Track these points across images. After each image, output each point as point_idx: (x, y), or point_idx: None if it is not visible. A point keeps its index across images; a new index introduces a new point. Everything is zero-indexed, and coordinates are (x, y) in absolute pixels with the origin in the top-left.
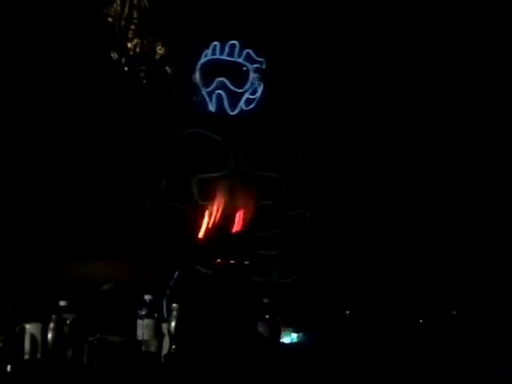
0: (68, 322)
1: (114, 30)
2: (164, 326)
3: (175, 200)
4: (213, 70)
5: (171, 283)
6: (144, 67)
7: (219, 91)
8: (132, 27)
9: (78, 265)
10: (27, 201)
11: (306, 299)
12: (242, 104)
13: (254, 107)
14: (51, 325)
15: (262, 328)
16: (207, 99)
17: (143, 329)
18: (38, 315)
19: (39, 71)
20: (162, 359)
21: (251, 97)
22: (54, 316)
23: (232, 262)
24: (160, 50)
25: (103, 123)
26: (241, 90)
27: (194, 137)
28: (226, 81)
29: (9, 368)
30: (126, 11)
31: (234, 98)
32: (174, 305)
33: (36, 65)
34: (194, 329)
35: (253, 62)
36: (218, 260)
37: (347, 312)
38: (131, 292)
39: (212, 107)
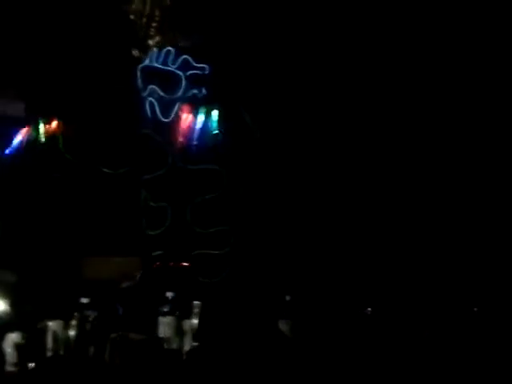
0: (90, 319)
1: (135, 28)
2: (185, 323)
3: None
4: (148, 76)
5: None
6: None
7: (150, 98)
8: (153, 25)
9: (98, 263)
10: (49, 202)
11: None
12: (176, 110)
13: None
14: (73, 322)
15: (282, 326)
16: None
17: (165, 326)
18: (61, 313)
19: (61, 67)
20: (184, 356)
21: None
22: (76, 313)
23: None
24: (181, 45)
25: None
26: (173, 97)
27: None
28: (156, 88)
29: (32, 365)
30: (148, 9)
31: (167, 105)
32: (196, 302)
33: (58, 61)
34: (215, 326)
35: (189, 68)
36: (157, 263)
37: (368, 309)
38: (152, 289)
39: (147, 112)
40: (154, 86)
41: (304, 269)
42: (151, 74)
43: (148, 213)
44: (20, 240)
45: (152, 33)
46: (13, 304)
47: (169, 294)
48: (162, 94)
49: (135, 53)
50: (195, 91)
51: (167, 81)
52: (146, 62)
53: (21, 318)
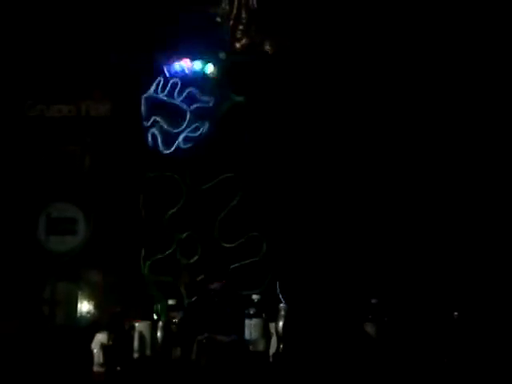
0: (177, 320)
1: (222, 30)
2: (272, 325)
3: None
4: (153, 106)
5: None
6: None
7: (153, 130)
8: (240, 27)
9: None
10: (135, 200)
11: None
12: (179, 142)
13: (193, 145)
14: (160, 323)
15: (368, 328)
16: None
17: (251, 328)
18: (148, 314)
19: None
20: (270, 359)
21: (191, 135)
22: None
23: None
24: (268, 50)
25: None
26: (176, 131)
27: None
28: (160, 120)
29: (119, 367)
30: (235, 11)
31: (170, 137)
32: (282, 305)
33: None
34: (301, 329)
35: (194, 101)
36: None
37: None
38: (239, 292)
39: (149, 143)
40: (158, 118)
41: (391, 271)
42: (156, 105)
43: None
44: (109, 240)
45: (239, 35)
46: (100, 304)
47: (255, 297)
48: (165, 126)
49: (222, 55)
50: (197, 124)
51: (170, 113)
52: (151, 91)
53: (108, 319)
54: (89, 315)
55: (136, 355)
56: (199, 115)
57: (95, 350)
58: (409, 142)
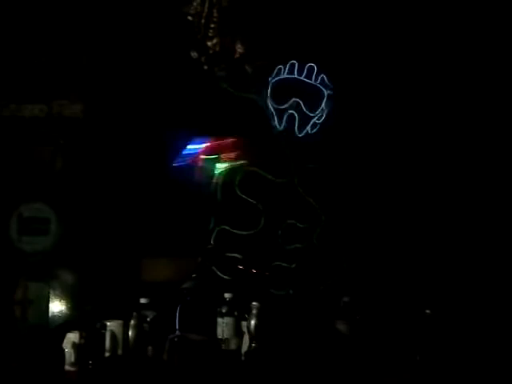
0: (148, 319)
1: (193, 29)
2: (244, 324)
3: None
4: (287, 88)
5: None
6: (224, 66)
7: (291, 111)
8: (212, 26)
9: (158, 264)
10: (108, 200)
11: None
12: (308, 127)
13: (316, 131)
14: (132, 322)
15: (340, 326)
16: (275, 117)
17: (223, 327)
18: (119, 312)
19: (118, 70)
20: (242, 357)
21: (317, 121)
22: (135, 313)
23: (253, 270)
24: (240, 49)
25: (181, 121)
26: (312, 114)
27: None
28: (300, 102)
29: (91, 366)
30: (206, 10)
31: (304, 121)
32: (255, 303)
33: (115, 64)
34: (273, 327)
35: (326, 87)
36: (240, 267)
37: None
38: (211, 290)
39: (280, 125)
40: (298, 100)
41: (363, 269)
42: (290, 87)
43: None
44: (80, 240)
45: (210, 34)
46: (72, 304)
47: (227, 295)
48: (304, 109)
49: (194, 54)
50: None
51: (308, 96)
52: (284, 73)
53: (80, 318)
54: (60, 315)
55: (108, 354)
56: None
57: (67, 349)
58: (402, 142)
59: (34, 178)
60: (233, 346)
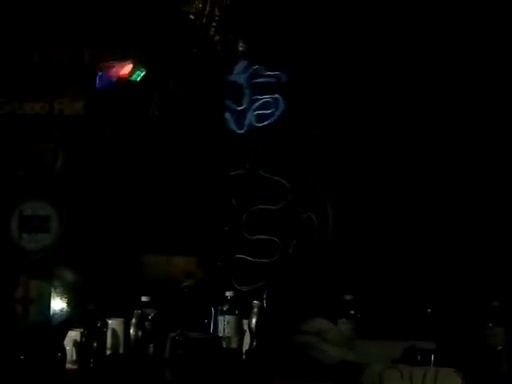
0: (150, 317)
1: (195, 28)
2: (245, 322)
3: None
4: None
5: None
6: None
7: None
8: (213, 24)
9: (160, 260)
10: (109, 198)
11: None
12: (250, 121)
13: (272, 122)
14: (133, 320)
15: (342, 325)
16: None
17: (224, 325)
18: (121, 311)
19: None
20: (244, 356)
21: (265, 112)
22: (136, 311)
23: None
24: (241, 48)
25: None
26: (240, 108)
27: None
28: (229, 101)
29: (92, 364)
30: (208, 9)
31: (239, 117)
32: (256, 302)
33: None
34: (274, 326)
35: (259, 76)
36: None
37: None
38: (213, 288)
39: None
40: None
41: (366, 267)
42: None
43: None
44: (81, 238)
45: (212, 33)
46: (74, 302)
47: (228, 294)
48: (232, 105)
49: (195, 52)
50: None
51: (234, 92)
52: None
53: (81, 316)
54: (62, 313)
55: (109, 352)
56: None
57: (68, 348)
58: (402, 143)
59: (35, 176)
60: (234, 344)
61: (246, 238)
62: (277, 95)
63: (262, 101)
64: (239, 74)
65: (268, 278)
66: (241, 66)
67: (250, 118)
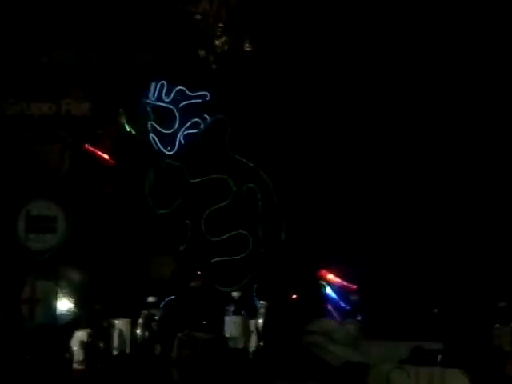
0: (156, 318)
1: (201, 28)
2: (252, 322)
3: None
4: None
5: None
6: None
7: (152, 135)
8: (220, 25)
9: (166, 261)
10: (114, 199)
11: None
12: (179, 141)
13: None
14: (140, 321)
15: (349, 326)
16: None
17: (231, 325)
18: (127, 311)
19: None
20: (250, 356)
21: (191, 131)
22: (143, 312)
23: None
24: (247, 48)
25: None
26: (169, 131)
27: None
28: (154, 124)
29: (99, 365)
30: (214, 9)
31: (168, 138)
32: (262, 302)
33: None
34: (280, 326)
35: (185, 98)
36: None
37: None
38: (218, 289)
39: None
40: (151, 122)
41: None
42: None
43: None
44: (88, 238)
45: (218, 33)
46: (80, 303)
47: (235, 294)
48: (160, 129)
49: (201, 53)
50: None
51: (161, 116)
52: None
53: (88, 317)
54: (68, 313)
55: (115, 352)
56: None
57: (75, 348)
58: (404, 142)
59: (42, 176)
60: (241, 344)
61: (213, 241)
62: (204, 115)
63: (191, 122)
64: (164, 97)
65: (253, 272)
66: (157, 87)
67: (179, 138)
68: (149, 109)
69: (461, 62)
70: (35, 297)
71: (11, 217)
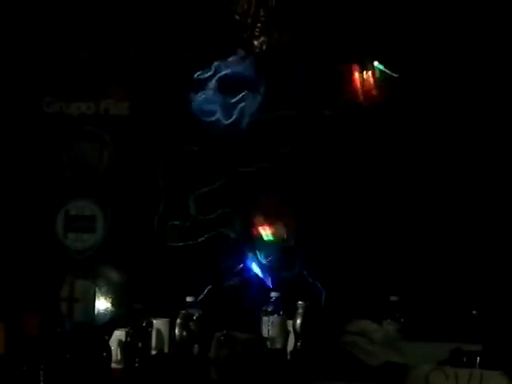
0: (195, 317)
1: (240, 28)
2: (289, 322)
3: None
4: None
5: None
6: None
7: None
8: (259, 25)
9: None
10: (153, 198)
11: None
12: (236, 114)
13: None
14: (178, 320)
15: (387, 326)
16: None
17: (269, 326)
18: (166, 311)
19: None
20: (288, 356)
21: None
22: (181, 312)
23: None
24: (286, 47)
25: None
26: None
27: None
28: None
29: (137, 364)
30: (253, 9)
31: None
32: (300, 302)
33: (161, 62)
34: (319, 326)
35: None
36: None
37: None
38: (256, 289)
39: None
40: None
41: (411, 268)
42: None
43: None
44: (127, 238)
45: (257, 33)
46: (119, 302)
47: (273, 294)
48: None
49: (240, 53)
50: None
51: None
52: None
53: (127, 316)
54: (107, 312)
55: (154, 352)
56: None
57: (113, 347)
58: (409, 142)
59: (81, 176)
60: (278, 344)
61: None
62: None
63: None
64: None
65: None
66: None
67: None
68: None
69: (461, 62)
70: (74, 296)
71: (50, 216)
